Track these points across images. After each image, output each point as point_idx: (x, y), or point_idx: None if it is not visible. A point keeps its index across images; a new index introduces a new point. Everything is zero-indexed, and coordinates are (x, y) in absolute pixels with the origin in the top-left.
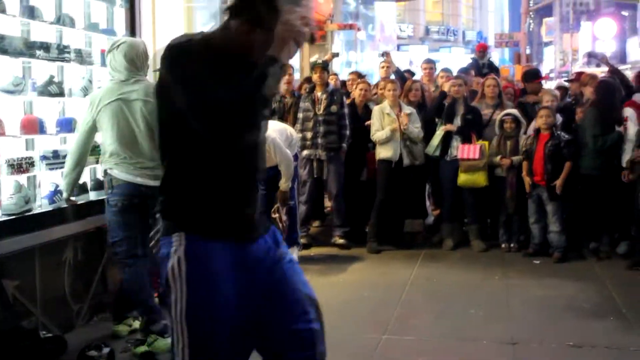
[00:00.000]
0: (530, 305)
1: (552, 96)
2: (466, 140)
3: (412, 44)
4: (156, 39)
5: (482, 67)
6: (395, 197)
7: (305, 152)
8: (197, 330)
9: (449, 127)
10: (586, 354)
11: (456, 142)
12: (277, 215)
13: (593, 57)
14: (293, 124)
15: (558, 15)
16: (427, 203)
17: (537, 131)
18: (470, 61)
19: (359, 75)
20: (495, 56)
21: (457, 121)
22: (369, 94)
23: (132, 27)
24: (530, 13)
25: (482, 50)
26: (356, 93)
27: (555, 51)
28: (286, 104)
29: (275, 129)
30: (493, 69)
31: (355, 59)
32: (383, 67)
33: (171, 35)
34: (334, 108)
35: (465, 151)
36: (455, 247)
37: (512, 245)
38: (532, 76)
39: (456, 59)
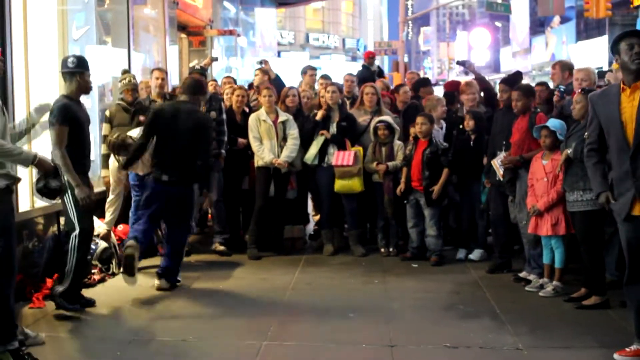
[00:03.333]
0: (408, 308)
1: (442, 105)
2: (341, 147)
3: (293, 51)
4: (28, 43)
5: (374, 73)
6: (275, 204)
7: None
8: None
9: (323, 133)
10: (462, 354)
11: (332, 149)
12: None
13: (461, 65)
14: None
15: (435, 24)
16: (310, 209)
17: (416, 138)
18: (361, 69)
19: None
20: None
21: (333, 128)
22: (246, 100)
23: (2, 31)
24: (409, 22)
25: (371, 57)
26: (233, 99)
27: (432, 60)
28: None
29: None
30: (382, 75)
31: (235, 65)
32: (257, 75)
33: (44, 40)
34: (213, 114)
35: (339, 158)
36: (336, 252)
37: (390, 249)
38: (422, 84)
39: (337, 66)
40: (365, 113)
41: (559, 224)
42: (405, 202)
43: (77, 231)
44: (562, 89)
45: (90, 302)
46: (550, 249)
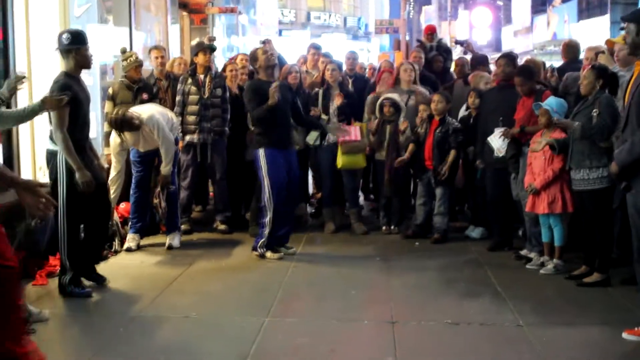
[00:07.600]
0: (410, 285)
1: (485, 82)
2: (346, 123)
3: (294, 30)
4: (29, 21)
5: (430, 49)
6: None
7: (188, 137)
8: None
9: (314, 111)
10: (462, 330)
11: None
12: (157, 200)
13: (460, 45)
14: (172, 108)
15: (437, 3)
16: (310, 187)
17: (431, 116)
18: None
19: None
20: (376, 43)
21: (333, 105)
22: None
23: (3, 8)
24: (410, 1)
25: (430, 32)
26: (228, 75)
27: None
28: (162, 86)
29: (158, 111)
30: (443, 50)
31: (237, 43)
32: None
33: (45, 17)
34: (219, 91)
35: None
36: (337, 230)
37: (392, 227)
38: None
39: (338, 44)
40: (402, 92)
41: (556, 202)
42: (417, 180)
43: (65, 227)
44: (553, 67)
45: (101, 279)
46: (549, 227)
